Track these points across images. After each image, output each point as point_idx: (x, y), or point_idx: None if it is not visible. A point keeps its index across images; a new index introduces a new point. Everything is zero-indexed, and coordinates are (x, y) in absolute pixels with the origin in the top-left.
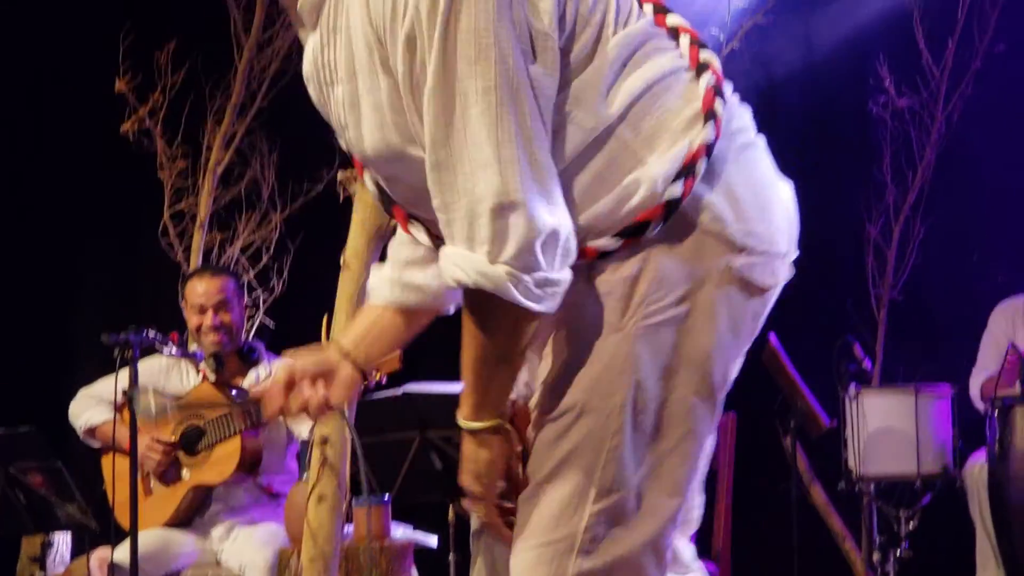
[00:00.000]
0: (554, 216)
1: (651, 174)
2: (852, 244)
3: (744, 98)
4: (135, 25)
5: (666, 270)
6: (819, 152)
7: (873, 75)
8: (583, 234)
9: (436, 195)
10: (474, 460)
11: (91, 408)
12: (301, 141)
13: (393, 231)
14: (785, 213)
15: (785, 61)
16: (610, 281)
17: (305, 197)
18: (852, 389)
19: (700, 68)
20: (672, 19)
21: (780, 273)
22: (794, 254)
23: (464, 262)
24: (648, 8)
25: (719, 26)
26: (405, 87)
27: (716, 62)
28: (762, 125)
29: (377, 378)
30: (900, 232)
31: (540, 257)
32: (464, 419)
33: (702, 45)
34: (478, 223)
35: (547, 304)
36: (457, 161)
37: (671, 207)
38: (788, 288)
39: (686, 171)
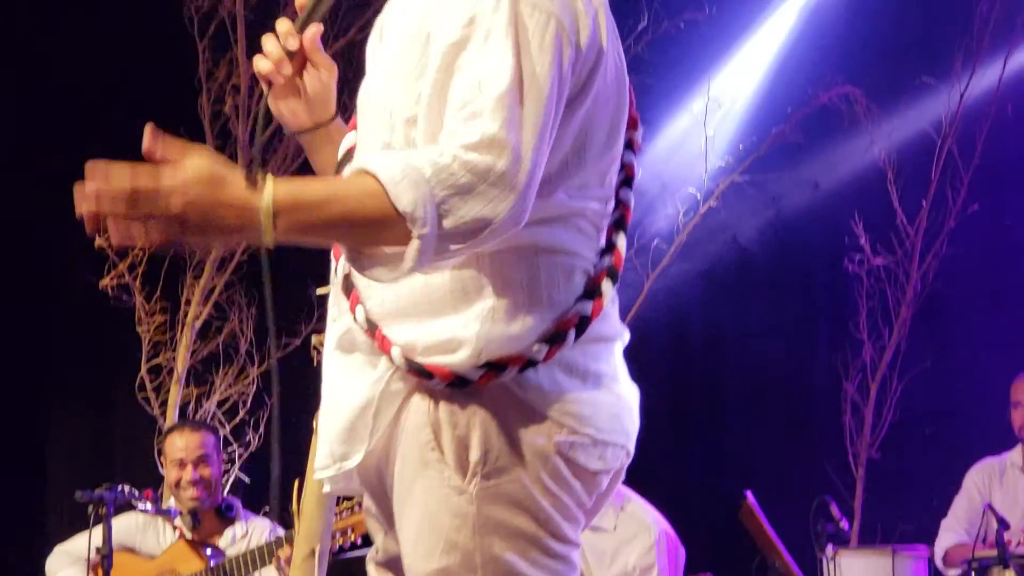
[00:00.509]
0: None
1: (530, 324)
2: (829, 401)
3: (721, 255)
4: None
5: (492, 437)
6: (796, 308)
7: (849, 234)
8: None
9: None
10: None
11: (66, 567)
12: (279, 295)
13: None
14: (627, 410)
15: (762, 219)
16: (447, 436)
17: (282, 351)
18: (830, 549)
19: (607, 247)
20: (624, 194)
21: (611, 460)
22: (631, 449)
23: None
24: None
25: (696, 185)
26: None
27: (622, 243)
28: (738, 282)
29: (352, 538)
30: (877, 390)
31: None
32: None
33: (622, 227)
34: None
35: (418, 264)
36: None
37: (529, 363)
38: (766, 445)
39: (554, 337)
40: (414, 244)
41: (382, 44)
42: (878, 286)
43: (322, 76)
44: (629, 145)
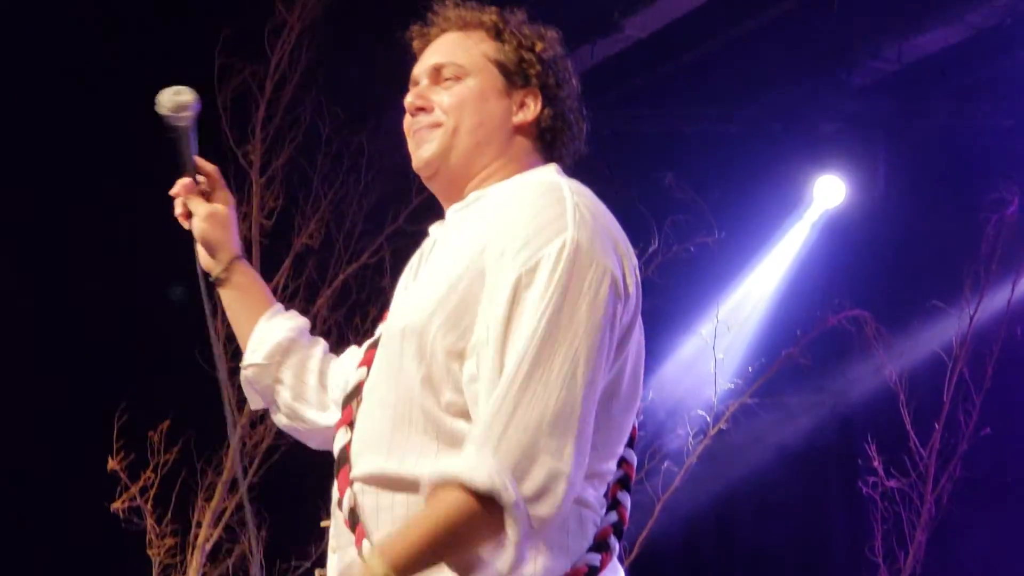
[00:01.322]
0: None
1: (548, 568)
2: None
3: (733, 477)
4: (130, 404)
5: None
6: (810, 531)
7: (862, 456)
8: None
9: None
10: None
11: None
12: (291, 517)
13: None
14: None
15: (773, 441)
16: None
17: (293, 573)
18: None
19: (612, 504)
20: (627, 453)
21: None
22: None
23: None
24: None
25: (706, 407)
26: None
27: (627, 502)
28: (751, 504)
29: None
30: None
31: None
32: None
33: (625, 486)
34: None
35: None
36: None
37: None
38: None
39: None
40: (508, 519)
41: (416, 281)
42: (892, 509)
43: (212, 217)
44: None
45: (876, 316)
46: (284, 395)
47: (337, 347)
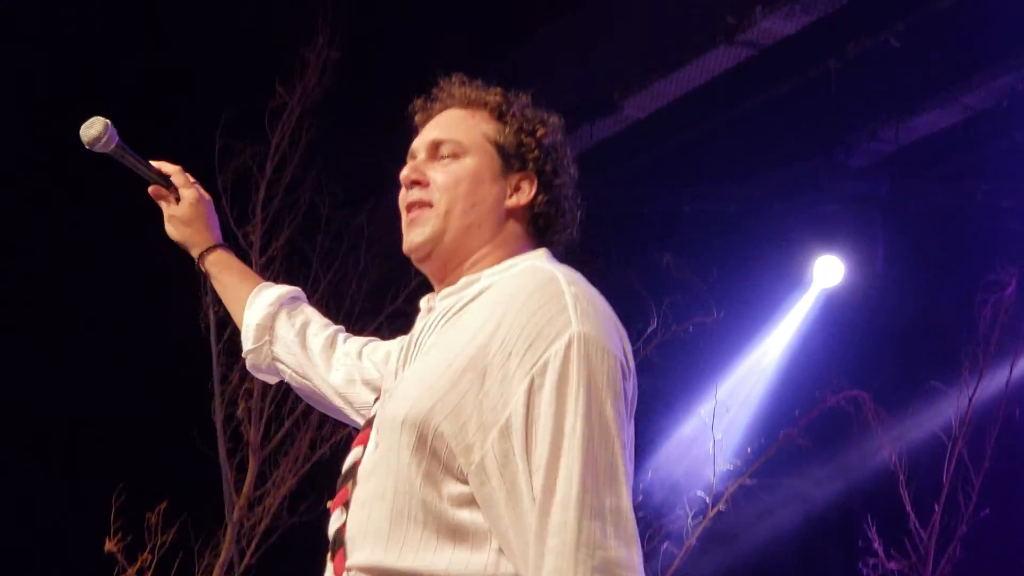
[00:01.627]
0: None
1: None
2: None
3: (732, 562)
4: (128, 484)
5: None
6: None
7: (862, 537)
8: None
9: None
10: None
11: None
12: None
13: None
14: None
15: (773, 522)
16: None
17: None
18: None
19: None
20: None
21: None
22: None
23: None
24: None
25: (705, 488)
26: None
27: None
28: None
29: None
30: None
31: None
32: None
33: None
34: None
35: None
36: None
37: None
38: None
39: None
40: None
41: (413, 367)
42: None
43: (172, 219)
44: None
45: (875, 396)
46: (285, 368)
47: (336, 426)
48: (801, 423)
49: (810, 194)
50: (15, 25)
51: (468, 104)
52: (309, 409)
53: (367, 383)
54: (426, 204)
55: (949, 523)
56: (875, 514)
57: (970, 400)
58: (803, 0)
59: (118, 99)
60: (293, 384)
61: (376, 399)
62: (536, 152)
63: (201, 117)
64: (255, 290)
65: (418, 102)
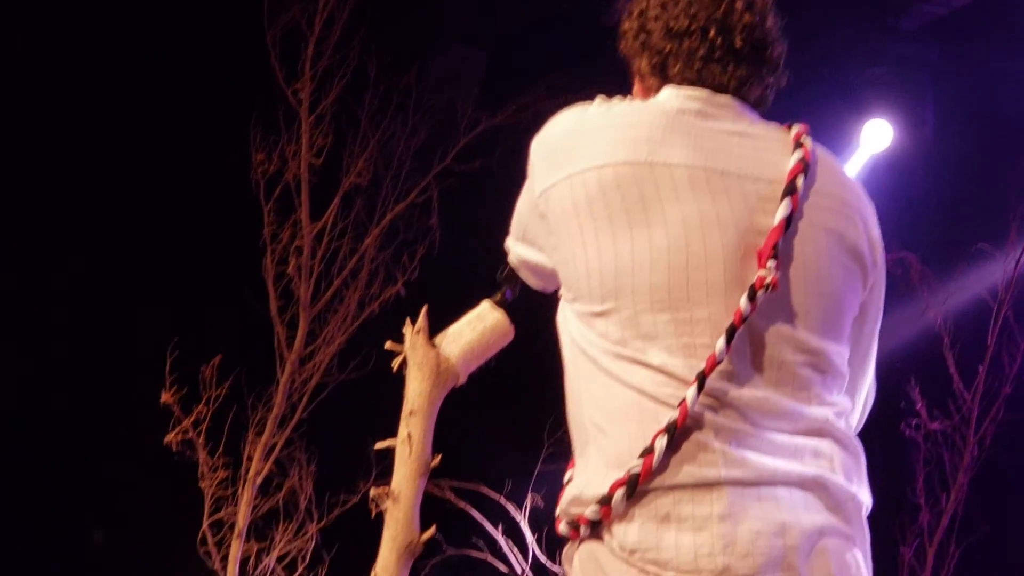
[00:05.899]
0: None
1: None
2: (886, 568)
3: None
4: (182, 340)
5: None
6: None
7: (905, 399)
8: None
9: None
10: None
11: None
12: (339, 453)
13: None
14: (726, 543)
15: None
16: None
17: (341, 508)
18: None
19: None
20: None
21: None
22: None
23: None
24: None
25: None
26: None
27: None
28: None
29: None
30: (934, 555)
31: None
32: None
33: None
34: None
35: None
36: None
37: (593, 523)
38: None
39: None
40: None
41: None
42: (935, 451)
43: None
44: None
45: (922, 259)
46: None
47: (384, 285)
48: None
49: (860, 57)
50: None
51: None
52: (358, 268)
53: None
54: None
55: (993, 385)
56: (919, 376)
57: (1017, 263)
58: None
59: None
60: None
61: None
62: (621, 44)
63: None
64: None
65: None
